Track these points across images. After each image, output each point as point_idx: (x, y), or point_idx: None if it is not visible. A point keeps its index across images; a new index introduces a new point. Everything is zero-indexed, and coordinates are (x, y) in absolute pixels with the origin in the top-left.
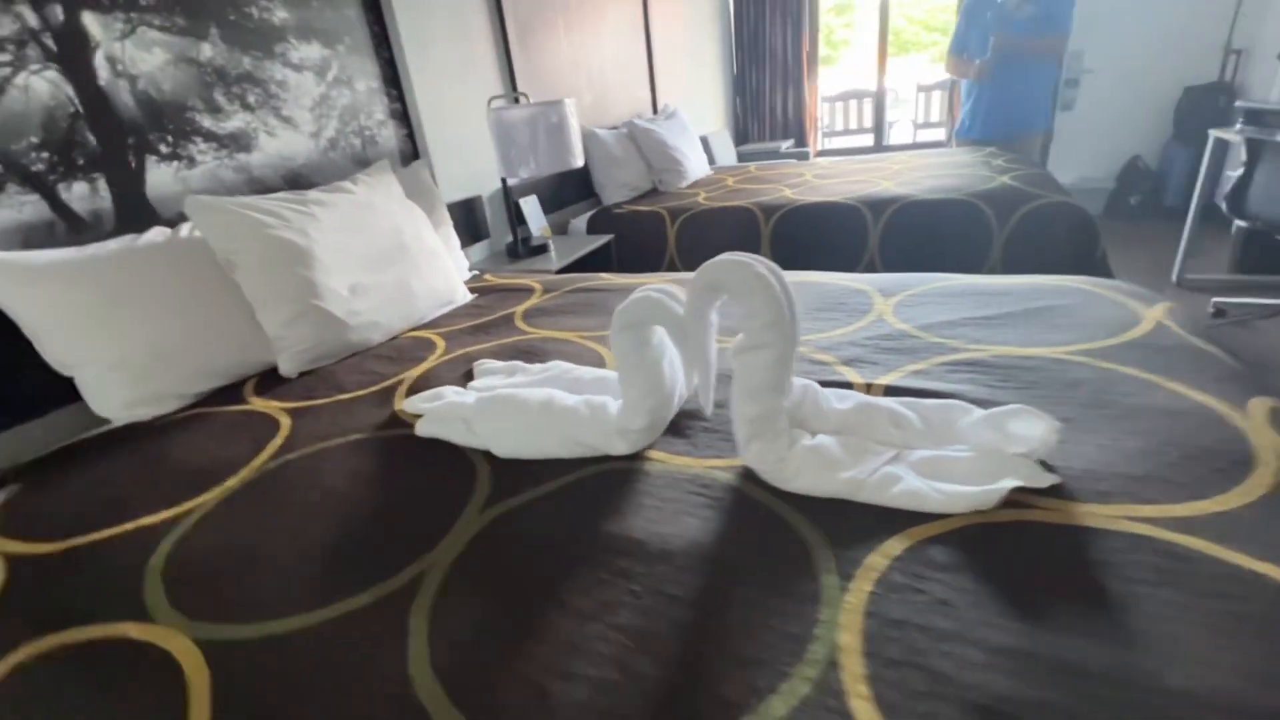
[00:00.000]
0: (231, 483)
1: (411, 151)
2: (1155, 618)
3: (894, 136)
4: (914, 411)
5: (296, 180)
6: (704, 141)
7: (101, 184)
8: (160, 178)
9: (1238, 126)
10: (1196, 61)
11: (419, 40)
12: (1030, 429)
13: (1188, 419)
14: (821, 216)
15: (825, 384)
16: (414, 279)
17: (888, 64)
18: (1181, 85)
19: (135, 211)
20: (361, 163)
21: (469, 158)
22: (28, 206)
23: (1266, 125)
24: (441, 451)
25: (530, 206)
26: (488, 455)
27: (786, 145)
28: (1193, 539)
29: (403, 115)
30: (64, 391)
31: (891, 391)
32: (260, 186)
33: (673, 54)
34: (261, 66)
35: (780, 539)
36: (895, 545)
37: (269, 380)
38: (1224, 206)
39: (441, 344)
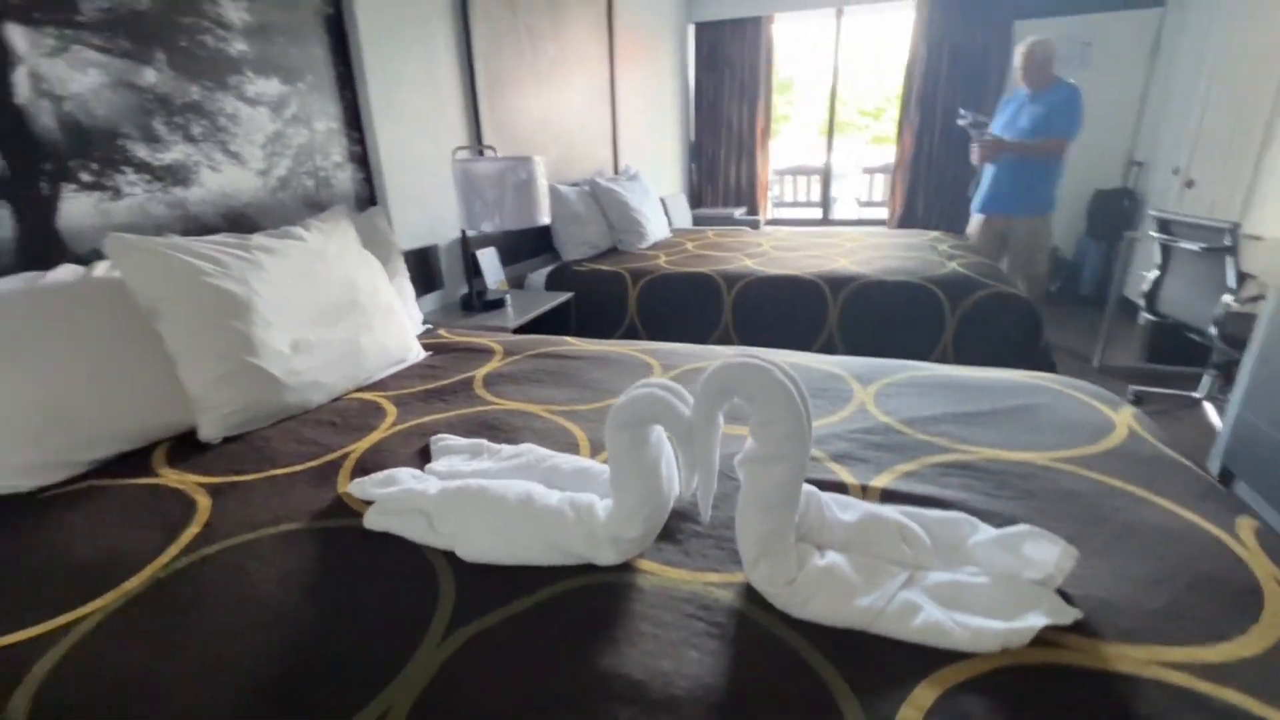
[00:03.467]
0: (131, 584)
1: (368, 196)
2: None
3: (837, 211)
4: (920, 525)
5: (239, 220)
6: (662, 203)
7: (6, 213)
8: (77, 208)
9: (1150, 231)
10: (1104, 168)
11: (385, 84)
12: (1045, 554)
13: (1185, 542)
14: (783, 290)
15: (821, 485)
16: (364, 336)
17: (834, 140)
18: (1093, 188)
19: (43, 245)
20: (314, 205)
21: (428, 206)
22: None
23: (1173, 234)
24: (396, 550)
25: (488, 259)
26: (450, 558)
27: (739, 212)
28: (1230, 692)
29: (362, 159)
30: None
31: (889, 496)
32: (196, 225)
33: (635, 118)
34: (212, 98)
35: (798, 681)
36: (926, 694)
37: (184, 447)
38: (1142, 304)
39: (392, 411)
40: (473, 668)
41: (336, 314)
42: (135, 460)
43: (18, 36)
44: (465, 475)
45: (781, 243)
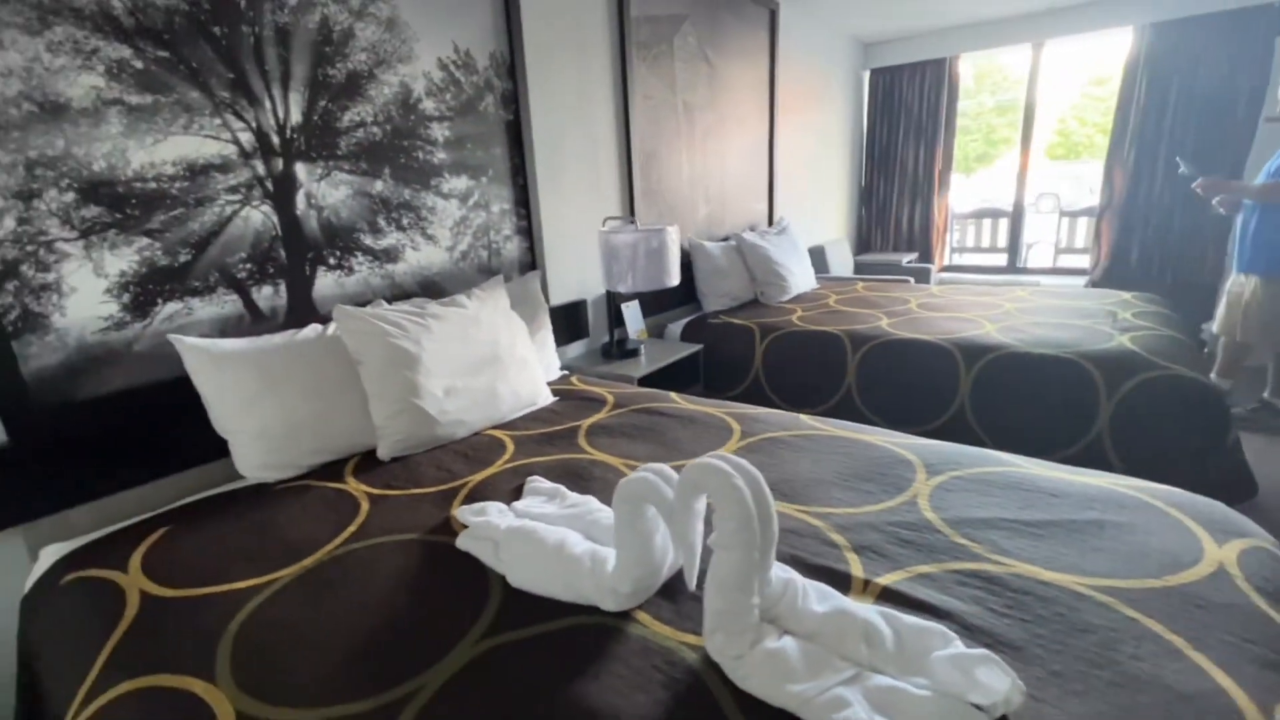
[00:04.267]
0: (309, 561)
1: (530, 262)
2: None
3: (1034, 258)
4: (891, 628)
5: (429, 286)
6: (819, 251)
7: (282, 287)
8: (325, 283)
9: None
10: None
11: (551, 170)
12: (996, 682)
13: (1197, 707)
14: (912, 355)
15: (822, 573)
16: (501, 384)
17: (1030, 177)
18: None
19: (303, 309)
20: (486, 271)
21: (580, 267)
22: (228, 304)
23: None
24: (469, 568)
25: (631, 311)
26: (503, 581)
27: (908, 259)
28: None
29: (526, 231)
30: (220, 449)
31: (888, 595)
32: (399, 291)
33: (795, 169)
34: (418, 196)
35: None
36: None
37: (368, 461)
38: None
39: (511, 448)
40: (489, 669)
41: (480, 366)
42: (335, 468)
43: (301, 170)
44: (533, 516)
45: (933, 299)
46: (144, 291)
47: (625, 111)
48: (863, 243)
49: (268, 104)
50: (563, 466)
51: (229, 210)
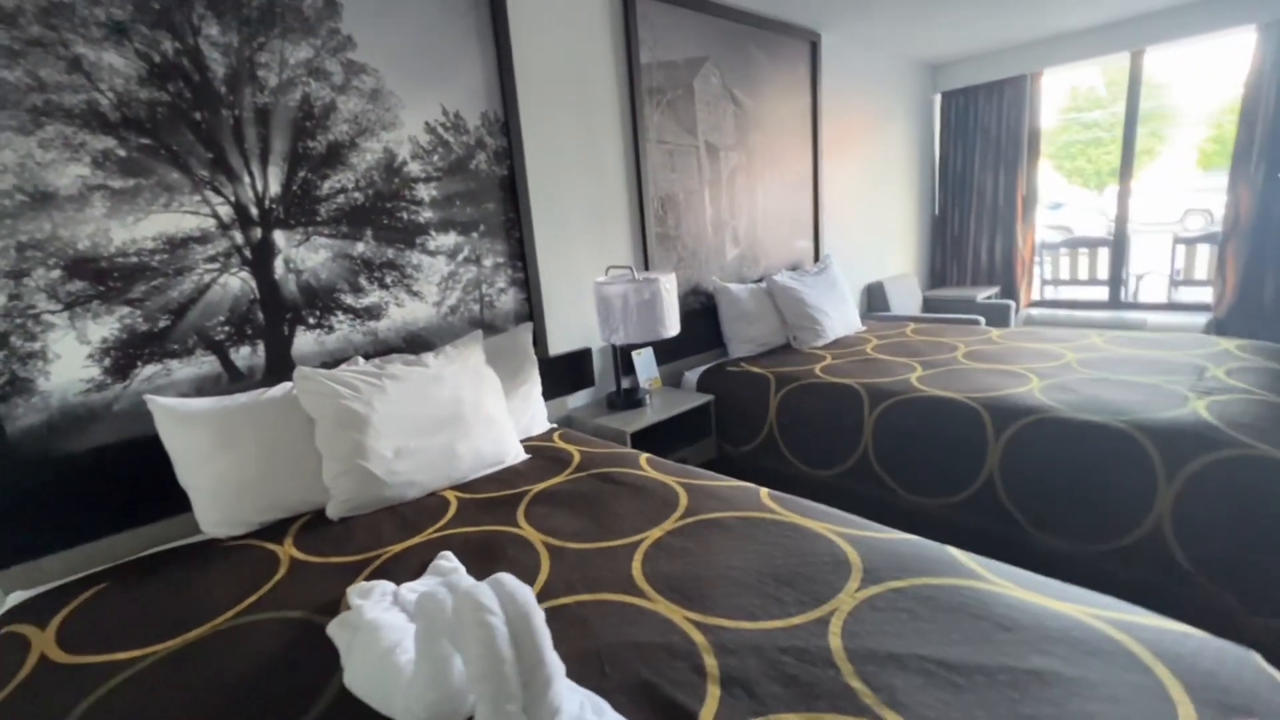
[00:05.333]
0: (192, 635)
1: (527, 313)
2: None
3: (1146, 291)
4: None
5: (415, 340)
6: (877, 288)
7: (260, 347)
8: (304, 341)
9: None
10: None
11: (552, 219)
12: None
13: None
14: (934, 415)
15: (666, 710)
16: (461, 443)
17: (1132, 201)
18: None
19: (280, 367)
20: (478, 324)
21: (586, 315)
22: (206, 364)
23: None
24: (327, 660)
25: (643, 358)
26: (341, 682)
27: (986, 295)
28: None
29: (523, 282)
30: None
31: None
32: (383, 347)
33: (852, 200)
34: (402, 255)
35: None
36: None
37: (316, 521)
38: None
39: (452, 513)
40: None
41: (439, 426)
42: (282, 527)
43: (280, 238)
44: (405, 604)
45: (988, 346)
46: (124, 355)
47: (636, 158)
48: (936, 277)
49: (246, 179)
50: (483, 541)
51: (207, 278)
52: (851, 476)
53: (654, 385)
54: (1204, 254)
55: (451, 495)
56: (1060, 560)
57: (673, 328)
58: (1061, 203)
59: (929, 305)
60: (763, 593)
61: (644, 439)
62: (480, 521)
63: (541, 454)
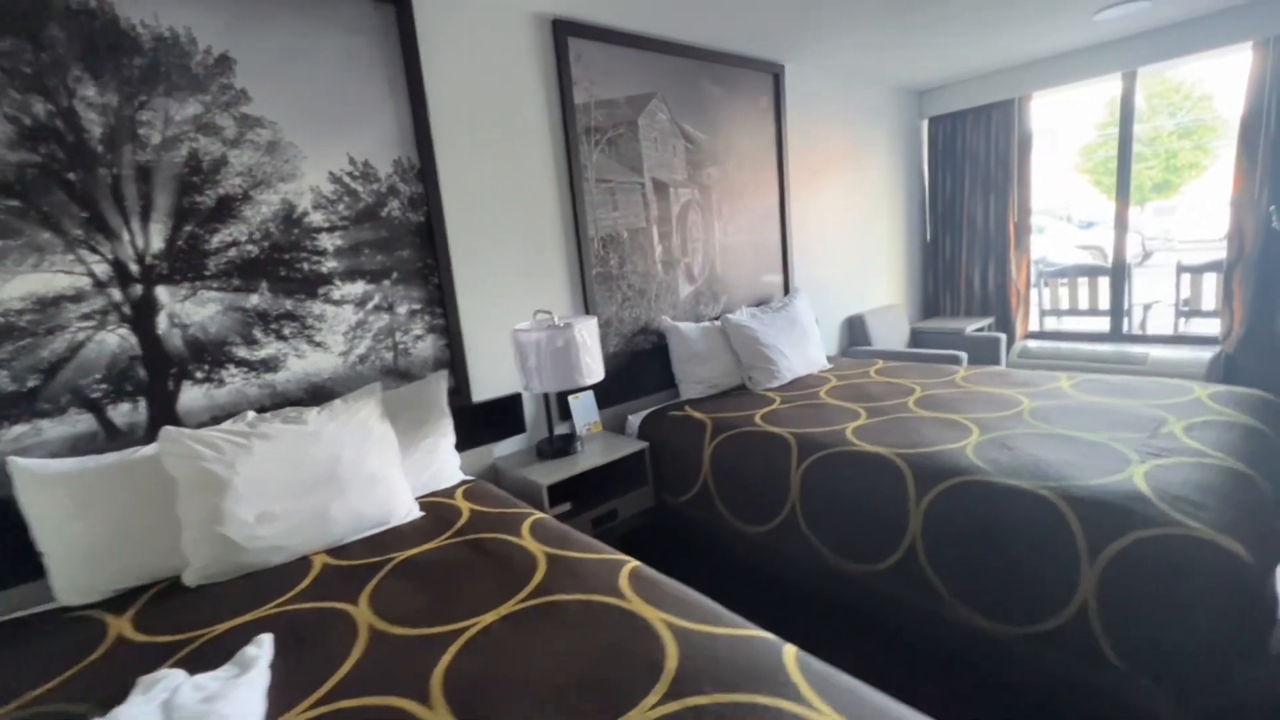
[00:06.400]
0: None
1: (449, 360)
2: None
3: (1155, 321)
4: None
5: (319, 392)
6: (857, 321)
7: (142, 404)
8: (191, 396)
9: None
10: None
11: (476, 263)
12: None
13: None
14: (860, 472)
15: None
16: (336, 505)
17: (1130, 221)
18: None
19: (164, 422)
20: (391, 373)
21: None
22: (81, 422)
23: None
24: None
25: (581, 403)
26: None
27: (976, 327)
28: None
29: (444, 329)
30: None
31: None
32: (282, 399)
33: (830, 230)
34: (303, 305)
35: None
36: None
37: (171, 590)
38: None
39: (305, 585)
40: None
41: (311, 487)
42: (133, 596)
43: (163, 294)
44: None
45: (941, 391)
46: None
47: (573, 198)
48: (929, 307)
49: (126, 236)
50: (313, 621)
51: (82, 336)
52: (779, 535)
53: (594, 430)
54: (1211, 283)
55: (320, 560)
56: (985, 642)
57: (591, 376)
58: (1094, 221)
59: (916, 338)
60: (560, 705)
61: (572, 489)
62: (327, 593)
63: (436, 512)
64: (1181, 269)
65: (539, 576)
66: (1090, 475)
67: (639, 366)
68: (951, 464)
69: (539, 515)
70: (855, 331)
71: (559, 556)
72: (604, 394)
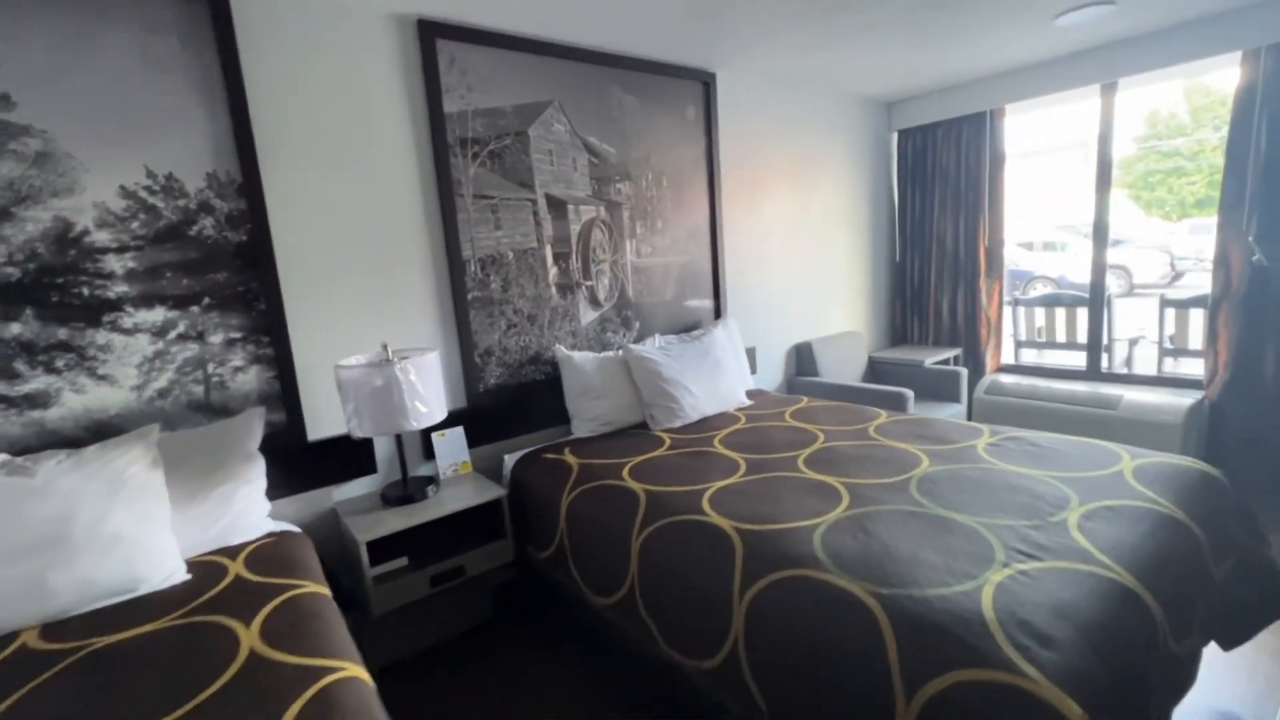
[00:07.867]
0: None
1: (278, 393)
2: None
3: (1138, 361)
4: None
5: (105, 429)
6: (805, 349)
7: None
8: None
9: None
10: None
11: (319, 287)
12: None
13: None
14: (697, 547)
15: None
16: (57, 572)
17: (1157, 239)
18: None
19: None
20: (202, 408)
21: None
22: None
23: None
24: None
25: (447, 441)
26: None
27: (938, 359)
28: None
29: (272, 359)
30: None
31: None
32: (54, 439)
33: (776, 251)
34: (82, 335)
35: None
36: None
37: None
38: None
39: None
40: None
41: (24, 552)
42: None
43: None
44: None
45: (845, 443)
46: None
47: (444, 216)
48: (897, 334)
49: None
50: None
51: None
52: (620, 611)
53: (463, 470)
54: (1198, 320)
55: (29, 638)
56: None
57: (422, 420)
58: (1122, 239)
59: (873, 369)
60: None
61: (419, 540)
62: (24, 679)
63: (201, 576)
64: (1165, 303)
65: (226, 678)
66: (934, 581)
67: (527, 400)
68: (790, 550)
69: (305, 590)
70: (803, 361)
71: (264, 658)
72: (482, 431)
